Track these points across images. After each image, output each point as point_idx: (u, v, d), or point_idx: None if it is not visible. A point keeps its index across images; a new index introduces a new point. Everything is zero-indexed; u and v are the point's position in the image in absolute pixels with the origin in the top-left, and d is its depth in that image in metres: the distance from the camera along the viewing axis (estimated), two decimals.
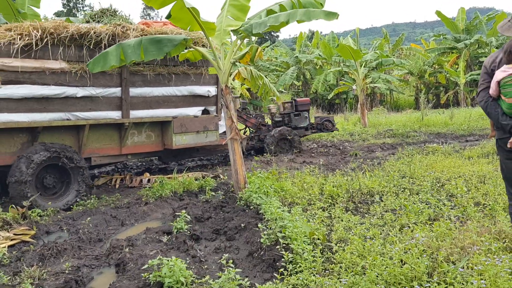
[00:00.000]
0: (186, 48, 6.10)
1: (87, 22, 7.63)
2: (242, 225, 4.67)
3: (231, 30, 5.58)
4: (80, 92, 6.37)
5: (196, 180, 6.97)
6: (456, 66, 23.57)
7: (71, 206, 6.08)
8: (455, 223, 4.21)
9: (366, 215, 4.83)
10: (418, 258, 3.26)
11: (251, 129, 10.39)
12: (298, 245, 3.70)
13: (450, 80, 24.48)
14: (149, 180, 7.30)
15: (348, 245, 3.78)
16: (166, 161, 8.47)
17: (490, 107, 3.32)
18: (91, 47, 6.38)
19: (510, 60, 3.17)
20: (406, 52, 28.65)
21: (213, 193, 6.13)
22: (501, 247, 3.41)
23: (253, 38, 21.17)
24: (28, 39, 5.79)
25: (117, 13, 8.03)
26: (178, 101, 7.60)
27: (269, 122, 10.79)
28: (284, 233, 3.98)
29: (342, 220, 4.55)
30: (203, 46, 7.20)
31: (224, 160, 9.57)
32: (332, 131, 11.38)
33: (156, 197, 6.21)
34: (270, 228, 4.22)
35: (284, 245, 3.87)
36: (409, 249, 3.48)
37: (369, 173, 6.58)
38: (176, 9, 5.30)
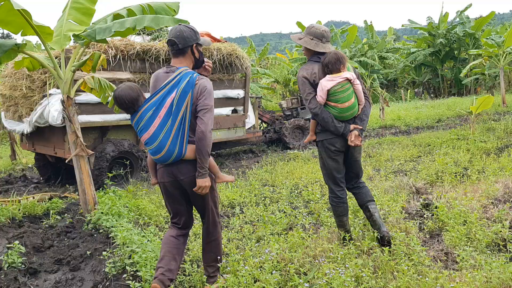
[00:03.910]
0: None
1: (138, 34, 8.78)
2: (88, 252, 4.17)
3: (73, 35, 5.02)
4: None
5: (43, 202, 6.17)
6: None
7: None
8: (308, 231, 4.26)
9: (225, 228, 4.67)
10: (270, 273, 3.17)
11: (266, 123, 11.90)
12: (147, 271, 3.37)
13: None
14: None
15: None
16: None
17: (324, 112, 3.70)
18: (152, 61, 7.64)
19: (332, 70, 3.65)
20: (272, 61, 29.85)
21: (59, 217, 5.44)
22: (346, 253, 3.48)
23: None
24: (105, 56, 6.56)
25: (163, 27, 8.59)
26: (214, 102, 8.38)
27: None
28: (133, 259, 3.62)
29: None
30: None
31: None
32: None
33: None
34: (118, 254, 3.82)
35: (132, 272, 3.51)
36: (263, 263, 3.38)
37: (231, 183, 6.49)
38: (4, 11, 4.58)
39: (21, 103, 7.31)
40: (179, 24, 3.14)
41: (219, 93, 8.90)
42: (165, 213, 5.14)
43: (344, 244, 3.78)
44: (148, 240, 4.13)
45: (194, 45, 3.11)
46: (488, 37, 18.60)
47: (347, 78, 3.64)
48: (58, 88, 6.06)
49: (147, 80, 7.43)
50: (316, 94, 3.72)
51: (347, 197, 4.01)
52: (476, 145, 8.18)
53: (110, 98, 5.57)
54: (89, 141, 7.17)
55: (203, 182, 2.98)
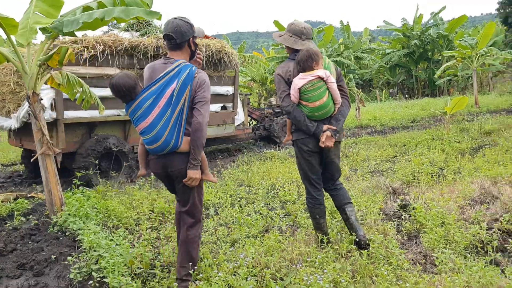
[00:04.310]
0: None
1: (127, 30, 8.79)
2: (53, 256, 3.94)
3: (39, 28, 4.76)
4: None
5: (7, 202, 5.86)
6: None
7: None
8: (285, 233, 4.13)
9: None
10: (245, 280, 3.03)
11: (255, 120, 11.75)
12: (114, 278, 3.18)
13: None
14: None
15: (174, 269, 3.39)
16: None
17: (296, 111, 3.60)
18: (140, 56, 7.58)
19: (305, 68, 3.53)
20: (248, 59, 29.70)
21: (23, 219, 5.15)
22: (324, 257, 3.36)
23: None
24: (93, 52, 6.99)
25: (151, 22, 9.10)
26: None
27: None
28: (100, 264, 3.42)
29: (171, 241, 4.14)
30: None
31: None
32: None
33: None
34: (84, 259, 3.61)
35: (98, 279, 3.31)
36: (238, 268, 3.23)
37: (205, 183, 6.31)
38: None
39: (8, 99, 7.17)
40: (175, 18, 3.11)
41: None
42: (135, 215, 4.93)
43: (322, 247, 3.67)
44: (116, 244, 3.93)
45: (191, 38, 3.15)
46: (461, 39, 18.89)
47: (319, 76, 3.51)
48: (45, 83, 6.05)
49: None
50: (290, 93, 3.61)
51: (325, 198, 3.90)
52: (451, 146, 8.23)
53: (78, 95, 5.34)
54: (76, 137, 7.13)
55: (194, 174, 3.02)
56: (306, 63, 3.52)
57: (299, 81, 3.53)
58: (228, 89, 9.36)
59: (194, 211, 3.20)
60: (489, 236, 3.86)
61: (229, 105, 9.59)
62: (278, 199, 5.54)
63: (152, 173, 3.43)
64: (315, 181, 3.80)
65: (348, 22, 27.21)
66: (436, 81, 24.46)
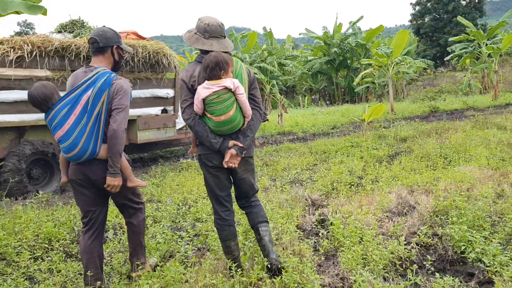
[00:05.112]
0: None
1: (59, 32, 8.50)
2: None
3: None
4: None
5: None
6: None
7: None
8: (191, 259, 3.65)
9: None
10: None
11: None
12: None
13: None
14: None
15: None
16: (130, 154, 8.40)
17: (198, 125, 3.16)
18: (72, 58, 7.28)
19: (211, 76, 3.07)
20: None
21: None
22: None
23: None
24: (20, 52, 6.58)
25: (85, 24, 8.83)
26: (142, 102, 8.58)
27: None
28: None
29: (55, 275, 3.49)
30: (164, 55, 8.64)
31: None
32: (265, 121, 12.67)
33: None
34: None
35: None
36: None
37: None
38: None
39: None
40: (104, 26, 3.24)
41: (147, 92, 8.70)
42: (17, 242, 4.18)
43: (231, 274, 3.23)
44: None
45: (115, 46, 3.21)
46: (378, 48, 19.58)
47: (226, 87, 3.05)
48: None
49: (68, 77, 7.10)
50: (193, 102, 3.13)
51: (241, 215, 3.48)
52: (369, 153, 8.22)
53: None
54: (5, 143, 6.80)
55: (112, 181, 3.02)
56: (213, 71, 3.06)
57: (203, 90, 3.06)
58: (168, 92, 9.12)
59: (133, 203, 3.38)
60: (408, 252, 3.66)
61: (170, 108, 9.33)
62: (189, 216, 5.03)
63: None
64: (224, 198, 3.36)
65: (271, 29, 27.36)
66: (355, 88, 25.26)
